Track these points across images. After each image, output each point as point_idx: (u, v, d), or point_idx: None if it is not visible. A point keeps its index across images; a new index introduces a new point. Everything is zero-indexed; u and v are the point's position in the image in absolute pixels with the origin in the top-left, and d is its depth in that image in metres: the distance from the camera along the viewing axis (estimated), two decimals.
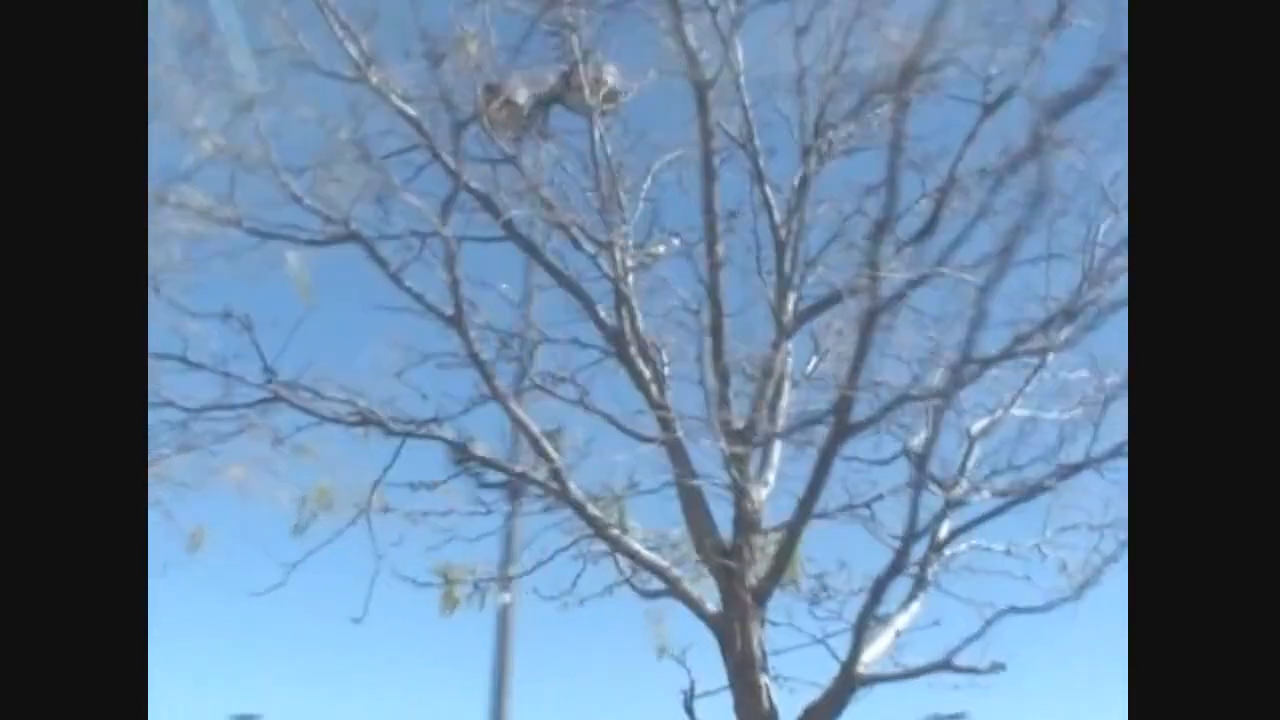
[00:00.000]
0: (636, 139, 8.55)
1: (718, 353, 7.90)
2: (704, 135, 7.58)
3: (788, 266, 8.01)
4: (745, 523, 7.77)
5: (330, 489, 9.55)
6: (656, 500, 8.33)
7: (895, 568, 6.93)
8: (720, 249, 7.81)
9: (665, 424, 7.90)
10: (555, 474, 7.34)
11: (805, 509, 7.26)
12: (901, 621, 7.54)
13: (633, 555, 7.50)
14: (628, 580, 8.39)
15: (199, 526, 8.67)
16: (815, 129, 8.05)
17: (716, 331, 7.88)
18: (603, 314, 8.08)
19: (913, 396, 6.83)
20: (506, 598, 10.52)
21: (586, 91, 8.12)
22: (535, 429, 7.57)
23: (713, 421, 7.72)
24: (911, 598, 7.51)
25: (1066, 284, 7.28)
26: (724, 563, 7.65)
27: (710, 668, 7.51)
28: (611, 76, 9.71)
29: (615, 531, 7.56)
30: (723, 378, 7.88)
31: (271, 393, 7.66)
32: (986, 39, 7.03)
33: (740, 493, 7.76)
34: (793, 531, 7.38)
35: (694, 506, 7.88)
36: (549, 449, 7.52)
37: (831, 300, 7.81)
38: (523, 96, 9.25)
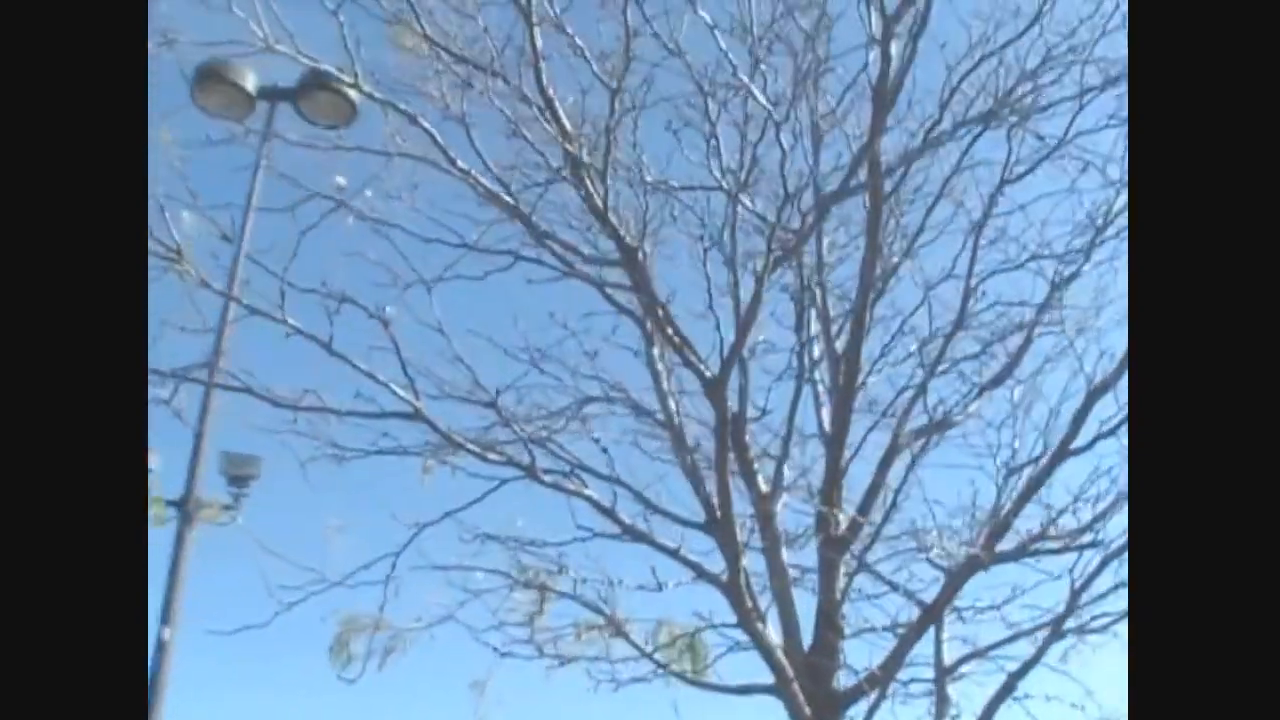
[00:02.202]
0: None
1: (834, 460, 8.11)
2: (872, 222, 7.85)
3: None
4: (831, 625, 7.96)
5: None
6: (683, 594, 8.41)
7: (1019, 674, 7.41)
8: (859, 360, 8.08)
9: (765, 519, 8.02)
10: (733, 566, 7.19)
11: (932, 614, 7.59)
12: None
13: (767, 650, 7.42)
14: (664, 668, 8.29)
15: None
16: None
17: (837, 442, 8.08)
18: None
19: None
20: (166, 633, 9.97)
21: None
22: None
23: (827, 524, 7.90)
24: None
25: None
26: (812, 663, 7.78)
27: None
28: (353, 93, 9.81)
29: (758, 624, 7.46)
30: (833, 482, 8.09)
31: (412, 407, 7.01)
32: None
33: (829, 595, 7.96)
34: (907, 640, 7.65)
35: (785, 605, 7.98)
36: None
37: (941, 426, 8.31)
38: (250, 83, 9.11)
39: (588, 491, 7.37)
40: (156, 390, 6.81)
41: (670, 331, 7.52)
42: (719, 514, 7.35)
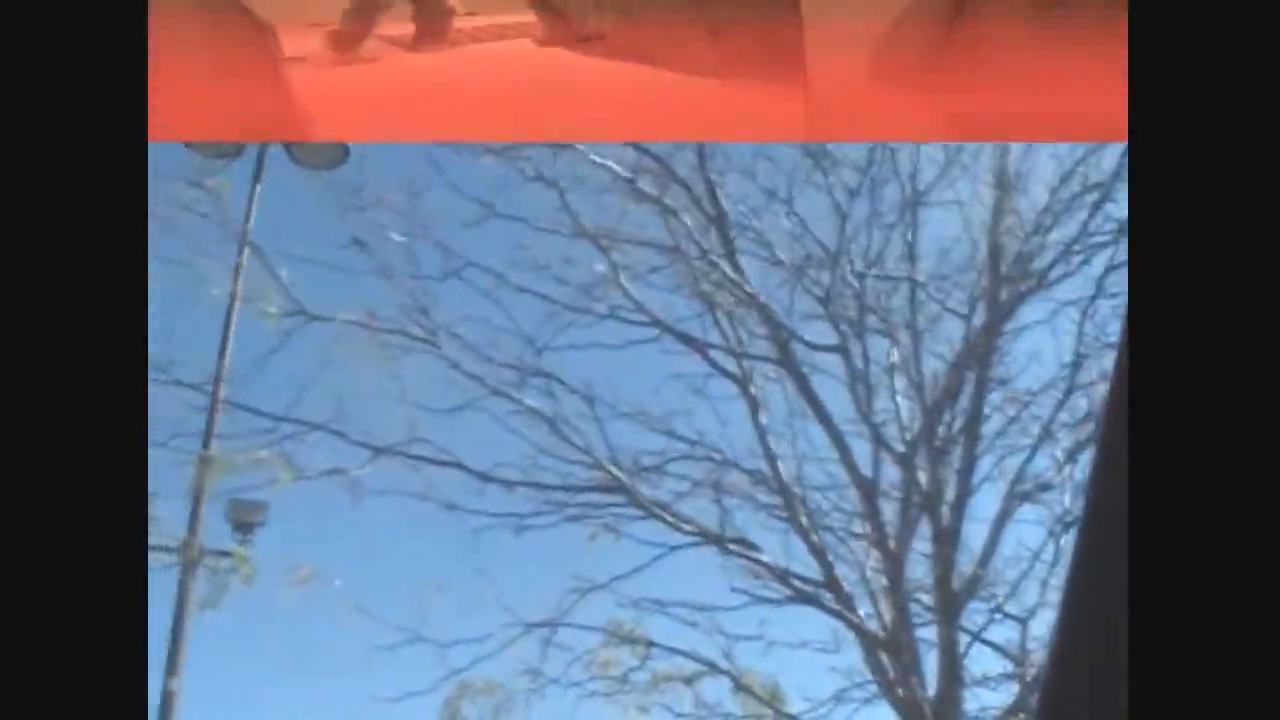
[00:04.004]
0: None
1: (954, 523, 8.77)
2: None
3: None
4: (953, 677, 8.62)
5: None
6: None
7: None
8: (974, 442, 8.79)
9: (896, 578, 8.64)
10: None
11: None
12: None
13: (915, 705, 8.00)
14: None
15: None
16: None
17: (955, 506, 8.77)
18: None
19: None
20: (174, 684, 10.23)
21: None
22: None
23: (947, 580, 8.57)
24: None
25: None
26: (937, 713, 8.42)
27: None
28: None
29: (912, 678, 8.05)
30: (949, 542, 8.76)
31: (616, 480, 7.41)
32: None
33: (951, 649, 8.63)
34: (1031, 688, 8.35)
35: (912, 659, 8.59)
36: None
37: (1042, 488, 9.07)
38: None
39: (763, 557, 7.85)
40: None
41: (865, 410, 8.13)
42: (887, 580, 7.95)
